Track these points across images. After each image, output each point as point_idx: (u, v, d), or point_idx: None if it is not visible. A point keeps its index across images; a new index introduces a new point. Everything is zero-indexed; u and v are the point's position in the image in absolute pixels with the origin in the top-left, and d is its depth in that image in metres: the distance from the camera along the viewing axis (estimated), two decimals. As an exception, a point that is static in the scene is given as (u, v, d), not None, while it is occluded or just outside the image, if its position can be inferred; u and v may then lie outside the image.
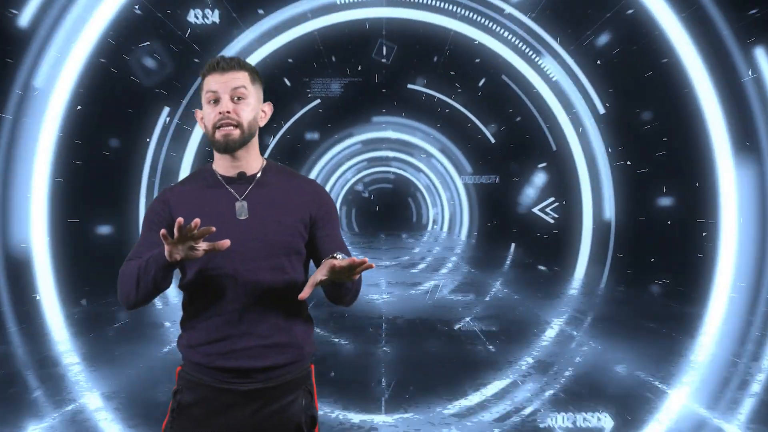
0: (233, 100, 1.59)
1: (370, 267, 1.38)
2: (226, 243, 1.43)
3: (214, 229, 1.41)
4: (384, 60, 10.86)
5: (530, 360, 5.09)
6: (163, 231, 1.37)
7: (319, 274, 1.43)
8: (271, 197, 1.63)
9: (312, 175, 17.07)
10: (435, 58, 11.09)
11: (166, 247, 1.41)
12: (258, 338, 1.57)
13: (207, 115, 1.60)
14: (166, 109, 10.33)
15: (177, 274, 1.65)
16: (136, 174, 10.36)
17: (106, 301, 7.50)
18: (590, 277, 10.18)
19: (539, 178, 12.39)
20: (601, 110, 10.06)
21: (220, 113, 1.57)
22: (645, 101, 9.02)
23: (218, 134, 1.58)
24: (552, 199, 11.81)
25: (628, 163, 9.60)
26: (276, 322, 1.59)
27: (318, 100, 12.26)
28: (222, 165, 1.65)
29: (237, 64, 1.61)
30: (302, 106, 12.79)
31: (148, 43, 9.23)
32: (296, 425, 1.61)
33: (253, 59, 10.60)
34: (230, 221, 1.58)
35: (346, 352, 5.45)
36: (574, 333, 6.13)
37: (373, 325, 6.39)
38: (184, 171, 10.71)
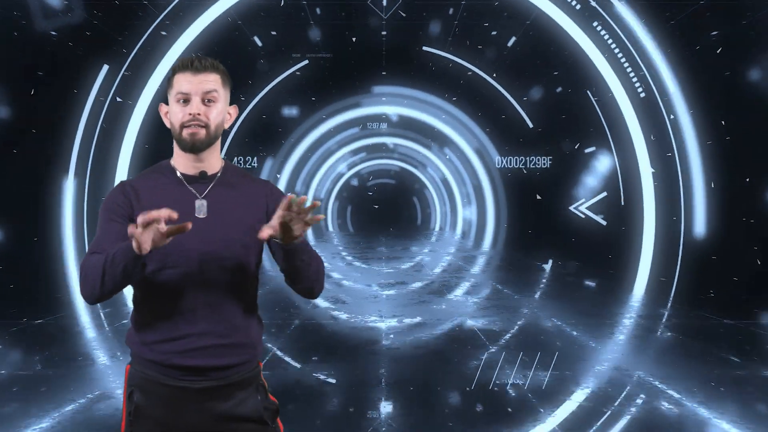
0: (204, 102, 1.71)
1: (318, 215, 1.58)
2: (189, 225, 1.50)
3: (189, 226, 1.50)
4: (382, 14, 8.96)
5: (590, 419, 3.86)
6: (131, 229, 1.46)
7: (276, 219, 1.56)
8: (231, 197, 1.76)
9: (292, 163, 15.45)
10: (450, 11, 9.14)
11: (134, 241, 1.47)
12: (217, 337, 1.69)
13: (175, 113, 1.72)
14: (105, 68, 8.43)
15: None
16: (60, 161, 8.51)
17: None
18: (651, 296, 8.44)
19: (588, 167, 10.47)
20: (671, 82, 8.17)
21: (190, 114, 1.69)
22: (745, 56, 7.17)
23: (185, 133, 1.70)
24: (604, 194, 9.92)
25: (709, 143, 7.73)
26: (234, 322, 1.72)
27: (298, 66, 10.34)
28: (182, 163, 1.77)
29: (210, 65, 1.73)
30: (278, 72, 10.85)
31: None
32: (258, 418, 1.74)
33: (213, 12, 8.71)
34: (190, 220, 1.64)
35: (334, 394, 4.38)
36: (636, 374, 4.80)
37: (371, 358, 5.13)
38: (124, 159, 8.78)
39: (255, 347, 1.77)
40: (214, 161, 1.77)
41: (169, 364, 1.66)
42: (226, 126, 1.78)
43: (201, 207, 1.70)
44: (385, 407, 4.10)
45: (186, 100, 1.69)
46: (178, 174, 1.75)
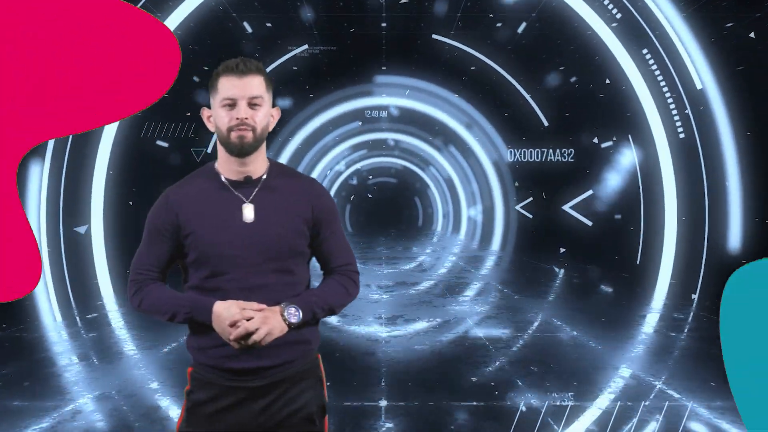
0: (250, 106, 1.76)
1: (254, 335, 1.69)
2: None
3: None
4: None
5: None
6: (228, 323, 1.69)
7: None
8: (276, 200, 1.82)
9: (285, 158, 15.21)
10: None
11: (214, 319, 1.70)
12: None
13: (221, 118, 1.77)
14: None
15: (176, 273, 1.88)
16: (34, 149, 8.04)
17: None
18: (673, 301, 8.01)
19: (608, 164, 10.11)
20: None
21: (237, 118, 1.75)
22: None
23: (234, 136, 1.76)
24: (590, 192, 9.56)
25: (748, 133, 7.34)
26: None
27: (296, 51, 9.94)
28: (227, 168, 1.83)
29: (255, 68, 1.78)
30: (270, 60, 10.45)
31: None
32: (308, 415, 1.81)
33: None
34: (237, 225, 1.76)
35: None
36: (654, 382, 4.45)
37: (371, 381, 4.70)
38: (104, 149, 8.35)
39: (309, 342, 1.82)
40: (259, 165, 1.82)
41: (225, 367, 1.74)
42: (270, 128, 1.82)
43: (248, 211, 1.75)
44: (385, 411, 3.94)
45: (232, 105, 1.74)
46: (223, 179, 1.81)
